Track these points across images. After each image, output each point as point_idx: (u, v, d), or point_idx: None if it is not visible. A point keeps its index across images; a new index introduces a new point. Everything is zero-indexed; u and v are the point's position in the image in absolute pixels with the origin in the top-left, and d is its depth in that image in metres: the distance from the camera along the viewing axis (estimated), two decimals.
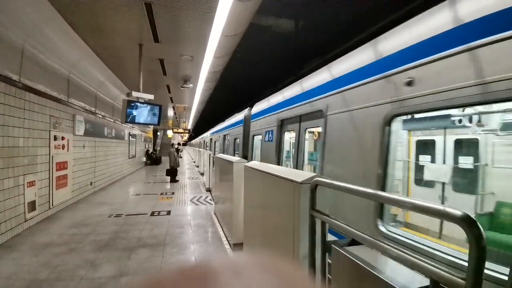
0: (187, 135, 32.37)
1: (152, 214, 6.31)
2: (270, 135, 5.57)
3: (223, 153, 10.70)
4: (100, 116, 9.25)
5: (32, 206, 5.22)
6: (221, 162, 5.73)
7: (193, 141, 46.51)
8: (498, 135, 3.40)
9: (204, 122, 32.22)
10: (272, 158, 5.31)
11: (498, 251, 2.64)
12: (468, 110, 3.23)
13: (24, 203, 4.97)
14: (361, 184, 2.03)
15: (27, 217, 5.07)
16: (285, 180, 2.13)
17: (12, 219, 4.63)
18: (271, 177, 2.47)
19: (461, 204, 3.64)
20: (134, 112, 6.34)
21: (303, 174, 1.99)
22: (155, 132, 24.99)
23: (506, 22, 1.61)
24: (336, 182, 1.61)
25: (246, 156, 7.35)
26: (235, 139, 9.18)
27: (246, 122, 7.85)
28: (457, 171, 3.86)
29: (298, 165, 4.41)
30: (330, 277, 1.57)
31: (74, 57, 6.32)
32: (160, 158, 21.17)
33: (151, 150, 21.61)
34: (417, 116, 2.71)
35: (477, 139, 3.62)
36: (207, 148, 18.45)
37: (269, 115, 5.79)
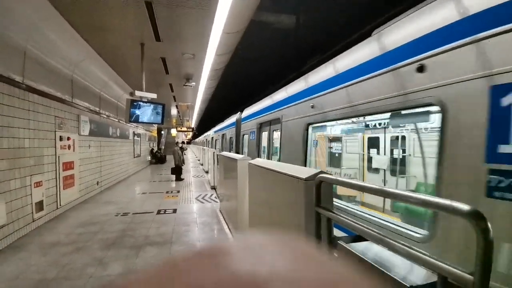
0: (191, 133, 32.48)
1: (158, 212, 6.37)
2: (253, 135, 7.37)
3: (222, 150, 12.44)
4: (105, 116, 9.31)
5: (39, 206, 5.29)
6: (225, 159, 5.75)
7: (197, 140, 46.69)
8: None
9: (208, 120, 32.31)
10: (254, 152, 7.14)
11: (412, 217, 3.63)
12: (340, 122, 5.09)
13: (31, 203, 5.04)
14: (295, 161, 4.15)
15: (35, 217, 5.14)
16: (290, 177, 2.13)
17: (20, 220, 4.70)
18: (275, 174, 2.47)
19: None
20: (138, 112, 6.37)
21: (308, 171, 1.99)
22: (159, 131, 25.10)
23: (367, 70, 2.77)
24: (339, 178, 1.60)
25: (238, 151, 9.15)
26: (230, 137, 11.04)
27: (237, 124, 9.63)
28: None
29: (269, 156, 6.27)
30: None
31: (76, 57, 6.35)
32: (164, 157, 21.29)
33: (155, 149, 21.73)
34: (316, 124, 4.16)
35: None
36: (209, 146, 19.37)
37: (252, 119, 7.54)
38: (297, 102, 4.56)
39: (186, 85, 8.98)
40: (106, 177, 9.48)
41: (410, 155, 5.08)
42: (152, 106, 6.66)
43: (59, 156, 6.02)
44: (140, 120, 6.50)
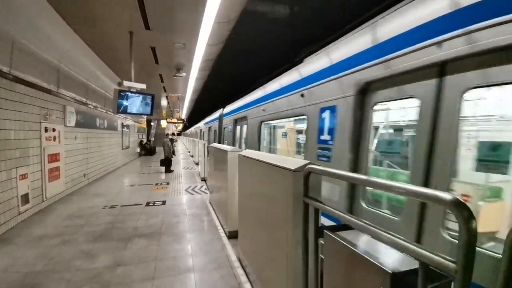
0: (181, 125, 32.16)
1: (147, 204, 6.32)
2: (230, 128, 9.02)
3: (209, 140, 14.03)
4: (92, 107, 9.09)
5: (25, 199, 5.17)
6: (215, 151, 5.73)
7: (187, 131, 46.30)
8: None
9: (199, 112, 32.00)
10: (230, 141, 8.94)
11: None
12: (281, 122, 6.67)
13: (17, 196, 4.92)
14: (254, 146, 5.91)
15: (21, 210, 5.03)
16: (279, 168, 2.14)
17: (6, 213, 4.58)
18: (264, 165, 2.47)
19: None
20: (126, 102, 6.24)
21: (297, 162, 2.00)
22: (148, 122, 24.73)
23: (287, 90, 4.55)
24: (328, 169, 1.62)
25: (220, 142, 10.99)
26: (215, 130, 12.79)
27: (220, 118, 11.25)
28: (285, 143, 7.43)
29: (240, 145, 7.91)
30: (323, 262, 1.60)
31: (63, 46, 6.14)
32: (154, 149, 21.03)
33: (145, 140, 21.43)
34: (265, 122, 5.76)
35: (275, 129, 7.54)
36: (199, 138, 20.00)
37: (230, 116, 9.12)
38: (256, 105, 6.19)
39: (176, 76, 8.83)
40: (93, 169, 9.31)
41: (299, 140, 7.04)
42: (141, 96, 6.53)
43: (44, 148, 5.87)
44: (128, 111, 6.37)
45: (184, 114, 25.71)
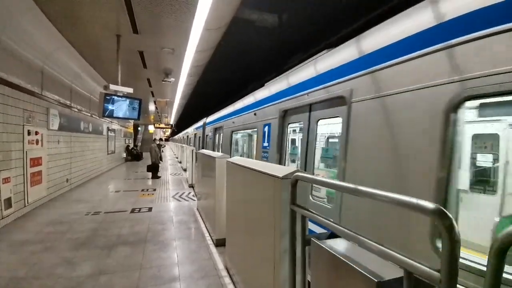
0: (169, 130, 31.78)
1: (133, 211, 6.17)
2: (211, 135, 10.20)
3: (194, 146, 14.88)
4: (76, 110, 8.87)
5: (8, 203, 5.01)
6: (203, 157, 5.68)
7: (175, 137, 45.81)
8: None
9: (187, 117, 31.74)
10: (211, 147, 10.17)
11: None
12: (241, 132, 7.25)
13: (0, 200, 4.75)
14: (227, 151, 7.16)
15: (4, 215, 4.87)
16: (266, 175, 2.14)
17: None
18: (252, 172, 2.47)
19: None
20: (112, 106, 6.12)
21: (284, 169, 2.01)
22: (136, 127, 24.33)
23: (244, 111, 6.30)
24: (315, 177, 1.63)
25: (203, 147, 11.95)
26: (199, 137, 14.05)
27: (204, 126, 12.38)
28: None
29: (220, 150, 8.63)
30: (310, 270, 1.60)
31: (48, 47, 6.01)
32: (141, 154, 20.67)
33: (131, 145, 21.03)
34: (235, 132, 6.95)
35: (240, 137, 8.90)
36: (187, 144, 20.03)
37: (211, 125, 10.40)
38: (228, 118, 7.49)
39: (165, 81, 8.75)
40: (76, 174, 9.04)
41: (253, 145, 7.51)
42: (128, 101, 6.42)
43: (27, 152, 5.67)
44: (114, 115, 6.24)
45: (172, 119, 25.45)
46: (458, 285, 0.84)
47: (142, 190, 8.59)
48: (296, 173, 1.76)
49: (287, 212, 1.79)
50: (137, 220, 5.47)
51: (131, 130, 21.98)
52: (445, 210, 0.85)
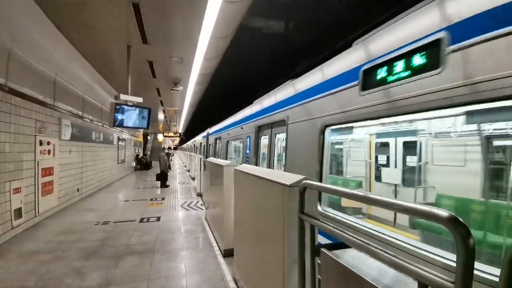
0: (178, 139, 32.09)
1: (141, 220, 6.18)
2: (213, 144, 12.10)
3: (200, 153, 16.50)
4: (88, 120, 9.06)
5: (18, 213, 5.06)
6: (211, 166, 5.68)
7: (184, 145, 46.20)
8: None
9: (196, 125, 32.02)
10: (212, 154, 12.13)
11: None
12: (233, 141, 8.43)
13: (10, 210, 4.81)
14: (223, 157, 8.86)
15: (14, 225, 4.91)
16: (274, 183, 2.10)
17: None
18: (260, 180, 2.43)
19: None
20: (123, 116, 6.22)
21: (292, 177, 1.96)
22: (145, 136, 24.67)
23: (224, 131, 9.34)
24: (324, 185, 1.58)
25: (207, 156, 13.57)
26: (204, 145, 15.90)
27: (207, 136, 14.05)
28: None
29: (218, 156, 10.21)
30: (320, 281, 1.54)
31: (61, 59, 6.18)
32: (150, 163, 20.87)
33: (141, 154, 21.28)
34: (230, 142, 8.61)
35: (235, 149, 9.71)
36: (195, 152, 20.87)
37: (213, 136, 12.23)
38: (224, 131, 9.14)
39: (173, 90, 8.89)
40: (87, 183, 9.16)
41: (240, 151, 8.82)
42: (137, 110, 6.52)
43: (38, 162, 5.78)
44: (124, 124, 6.34)
45: (181, 128, 25.73)
46: None
47: (151, 199, 8.62)
48: (305, 181, 1.71)
49: (295, 221, 1.74)
50: (145, 230, 5.46)
51: (140, 139, 22.30)
52: (460, 218, 0.80)
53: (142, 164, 19.66)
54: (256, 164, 5.50)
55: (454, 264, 1.19)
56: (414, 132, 4.82)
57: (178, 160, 33.68)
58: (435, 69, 1.81)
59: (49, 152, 6.30)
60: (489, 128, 3.52)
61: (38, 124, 5.81)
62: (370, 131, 5.43)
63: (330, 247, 1.49)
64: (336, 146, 6.33)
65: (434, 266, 1.60)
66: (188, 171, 18.29)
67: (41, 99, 5.96)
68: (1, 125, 4.58)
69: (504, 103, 1.47)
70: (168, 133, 22.51)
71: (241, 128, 6.66)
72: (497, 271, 1.37)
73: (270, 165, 4.97)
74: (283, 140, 4.60)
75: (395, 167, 5.46)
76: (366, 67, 2.46)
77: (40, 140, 5.89)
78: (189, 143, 33.55)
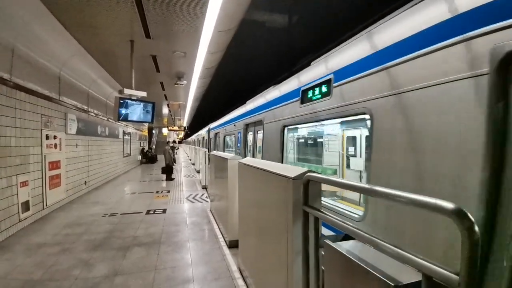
0: (182, 132, 32.22)
1: (148, 212, 6.27)
2: (213, 138, 13.25)
3: (203, 146, 17.68)
4: (93, 115, 9.13)
5: (26, 206, 5.16)
6: (215, 159, 5.71)
7: (188, 139, 46.40)
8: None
9: (200, 119, 32.08)
10: (212, 147, 13.25)
11: None
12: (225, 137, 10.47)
13: (17, 203, 4.90)
14: (220, 150, 10.86)
15: (21, 218, 5.01)
16: (278, 176, 2.11)
17: (6, 220, 4.57)
18: (264, 173, 2.44)
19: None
20: (127, 110, 6.26)
21: (296, 170, 1.97)
22: (150, 130, 24.80)
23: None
24: (328, 177, 1.59)
25: (209, 148, 14.19)
26: (205, 139, 17.18)
27: (208, 131, 15.25)
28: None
29: (217, 149, 11.41)
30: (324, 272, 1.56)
31: (64, 54, 6.21)
32: (155, 157, 21.03)
33: (146, 148, 21.44)
34: (226, 136, 10.15)
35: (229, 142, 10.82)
36: (199, 146, 21.56)
37: (213, 131, 13.35)
38: (222, 127, 10.42)
39: (177, 84, 8.88)
40: (94, 176, 9.29)
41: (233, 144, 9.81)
42: (142, 104, 6.55)
43: (45, 155, 5.87)
44: (129, 118, 6.38)
45: (185, 121, 25.79)
46: None
47: (157, 192, 8.72)
48: (308, 173, 1.72)
49: (299, 213, 1.75)
50: (151, 222, 5.55)
51: (145, 133, 22.43)
52: (465, 211, 0.79)
53: (148, 158, 19.83)
54: (244, 154, 6.80)
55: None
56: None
57: (183, 154, 33.88)
58: (328, 96, 2.91)
59: (55, 146, 6.38)
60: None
61: (44, 119, 5.88)
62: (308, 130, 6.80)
63: (334, 238, 1.50)
64: (301, 141, 7.33)
65: (351, 220, 2.35)
66: (193, 164, 18.41)
67: (47, 93, 6.01)
68: (6, 119, 4.64)
69: (355, 117, 2.60)
70: (172, 127, 22.63)
71: (234, 125, 8.04)
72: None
73: (254, 155, 6.16)
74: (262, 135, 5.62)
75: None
76: (303, 88, 3.54)
77: (47, 134, 5.97)
78: (193, 137, 33.71)
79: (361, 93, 2.35)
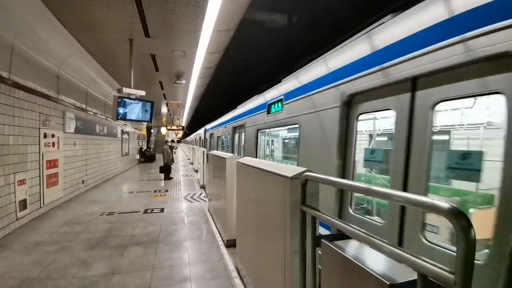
0: (181, 132, 32.17)
1: (146, 211, 6.27)
2: (208, 138, 14.54)
3: (200, 146, 18.59)
4: (91, 113, 9.11)
5: (23, 204, 5.14)
6: (214, 158, 5.71)
7: (187, 138, 46.36)
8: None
9: (199, 119, 32.05)
10: (208, 147, 14.30)
11: None
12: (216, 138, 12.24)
13: (15, 201, 4.89)
14: (214, 149, 12.40)
15: (19, 216, 5.00)
16: (276, 176, 2.12)
17: (3, 218, 4.56)
18: (262, 173, 2.45)
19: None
20: (126, 109, 6.24)
21: (294, 169, 1.98)
22: (148, 129, 24.75)
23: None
24: (326, 176, 1.59)
25: (205, 147, 15.00)
26: (202, 139, 18.27)
27: (205, 131, 16.37)
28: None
29: (212, 149, 12.56)
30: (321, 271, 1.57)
31: (63, 53, 6.19)
32: (154, 156, 21.00)
33: (144, 147, 21.40)
34: (219, 136, 11.54)
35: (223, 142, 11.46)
36: (198, 145, 21.91)
37: (208, 132, 14.68)
38: (215, 129, 11.68)
39: (176, 83, 8.87)
40: (92, 175, 9.27)
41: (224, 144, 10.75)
42: (140, 103, 6.54)
43: (43, 154, 5.85)
44: (128, 117, 6.37)
45: (184, 121, 25.76)
46: None
47: (155, 191, 8.71)
48: (306, 173, 1.73)
49: (297, 212, 1.76)
50: (149, 221, 5.54)
51: (144, 132, 22.39)
52: (461, 210, 0.80)
53: (146, 157, 19.79)
54: (232, 152, 8.03)
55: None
56: (279, 136, 8.81)
57: (181, 153, 33.84)
58: (281, 110, 4.23)
59: (53, 144, 6.36)
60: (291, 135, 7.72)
61: (42, 117, 5.86)
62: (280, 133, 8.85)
63: (331, 238, 1.51)
64: (268, 140, 9.22)
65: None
66: (191, 163, 18.40)
67: (45, 92, 5.99)
68: (4, 118, 4.63)
69: (294, 126, 3.93)
70: (171, 127, 22.61)
71: (225, 127, 9.37)
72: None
73: (239, 153, 7.29)
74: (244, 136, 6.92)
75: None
76: (268, 102, 4.84)
77: (45, 133, 5.95)
78: (192, 136, 33.71)
79: (295, 110, 3.77)
